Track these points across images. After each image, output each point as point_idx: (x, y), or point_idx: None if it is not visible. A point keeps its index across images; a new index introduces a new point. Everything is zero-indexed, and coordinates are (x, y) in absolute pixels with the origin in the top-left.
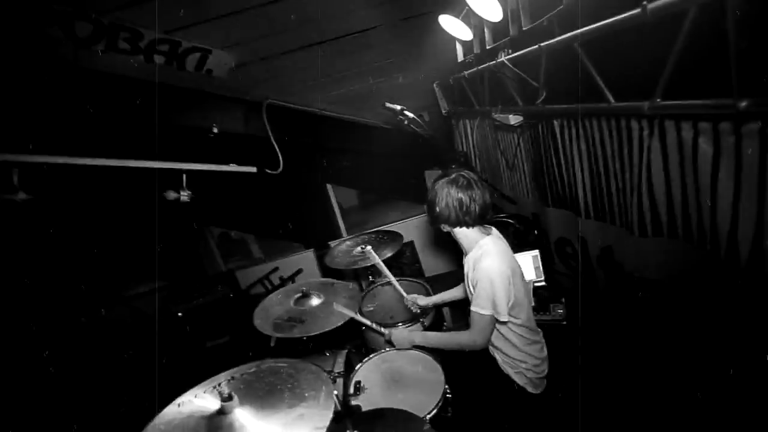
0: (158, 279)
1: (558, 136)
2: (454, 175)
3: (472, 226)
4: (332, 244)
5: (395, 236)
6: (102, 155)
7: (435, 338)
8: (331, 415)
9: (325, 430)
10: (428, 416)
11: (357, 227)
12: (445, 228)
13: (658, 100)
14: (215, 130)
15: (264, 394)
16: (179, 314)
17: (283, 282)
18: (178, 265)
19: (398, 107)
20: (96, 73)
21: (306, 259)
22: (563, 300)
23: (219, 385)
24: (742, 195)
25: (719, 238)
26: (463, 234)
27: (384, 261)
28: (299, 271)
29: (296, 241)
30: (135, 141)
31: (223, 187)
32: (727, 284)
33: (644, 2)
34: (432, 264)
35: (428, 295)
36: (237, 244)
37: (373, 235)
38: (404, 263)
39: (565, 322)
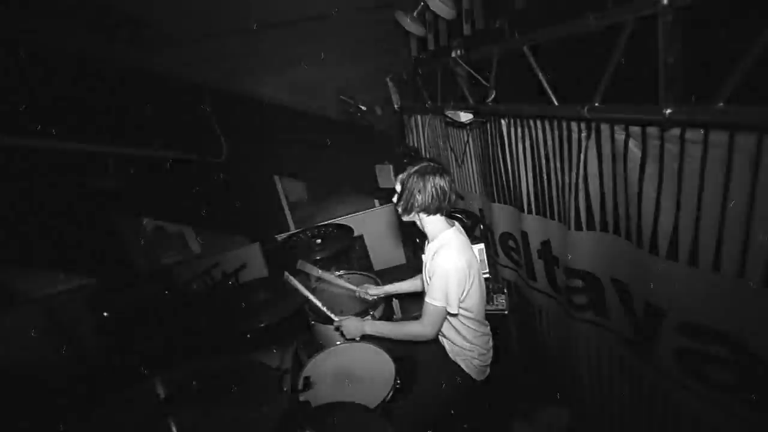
0: (80, 276)
1: (505, 134)
2: (431, 164)
3: (444, 213)
4: (279, 237)
5: (346, 229)
6: (18, 133)
7: (385, 327)
8: (281, 408)
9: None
10: (378, 407)
11: (305, 221)
12: (417, 216)
13: (597, 104)
14: (150, 112)
15: (208, 394)
16: (104, 314)
17: (226, 277)
18: (103, 261)
19: (351, 100)
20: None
21: (250, 253)
22: (505, 291)
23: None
24: (663, 193)
25: (642, 231)
26: (432, 222)
27: (335, 254)
28: (243, 267)
29: (241, 234)
30: (57, 120)
31: (160, 174)
32: (649, 272)
33: (588, 12)
34: (381, 258)
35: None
36: (173, 239)
37: (323, 229)
38: (353, 257)
39: (506, 312)
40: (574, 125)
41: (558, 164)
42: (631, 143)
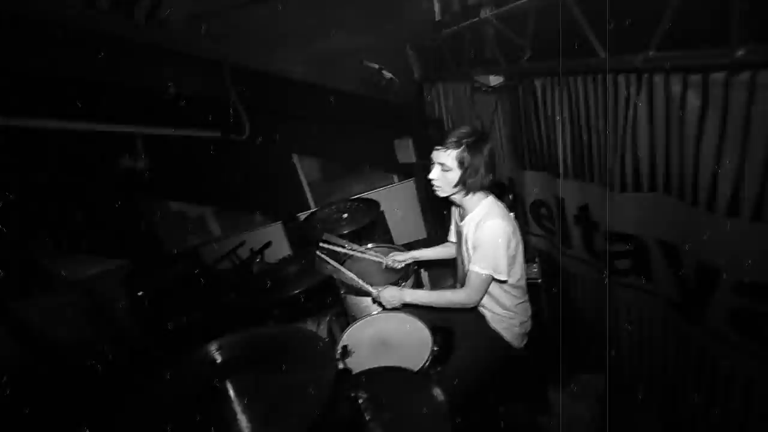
0: (113, 258)
1: (539, 96)
2: (477, 133)
3: None
4: (301, 216)
5: (371, 204)
6: (48, 117)
7: (426, 296)
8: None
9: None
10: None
11: (323, 200)
12: (470, 190)
13: (652, 52)
14: (171, 90)
15: (258, 360)
16: (139, 294)
17: (254, 255)
18: (134, 243)
19: (376, 65)
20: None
21: (274, 231)
22: (537, 260)
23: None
24: (725, 146)
25: (699, 189)
26: (468, 196)
27: (361, 228)
28: (268, 244)
29: (263, 213)
30: (83, 102)
31: (183, 155)
32: (704, 232)
33: None
34: (402, 232)
35: None
36: (195, 222)
37: (349, 203)
38: (375, 233)
39: (539, 281)
40: (621, 79)
41: (601, 124)
42: (690, 94)
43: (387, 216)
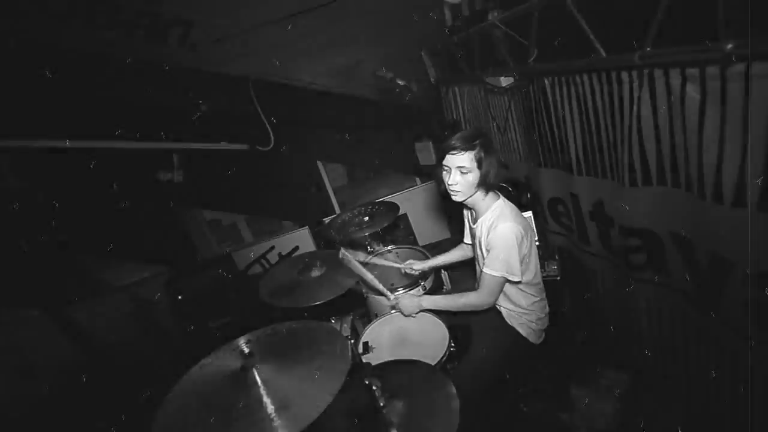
0: (153, 265)
1: (549, 95)
2: (483, 132)
3: None
4: (326, 220)
5: (391, 206)
6: (90, 138)
7: (443, 301)
8: (349, 362)
9: (344, 375)
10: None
11: (347, 204)
12: (489, 189)
13: (648, 49)
14: (203, 108)
15: (283, 351)
16: (179, 297)
17: (282, 259)
18: (171, 250)
19: (390, 74)
20: (71, 52)
21: (301, 236)
22: (556, 257)
23: (240, 344)
24: (726, 136)
25: (705, 180)
26: (481, 197)
27: (383, 230)
28: (296, 249)
29: (291, 219)
30: (119, 122)
31: (215, 167)
32: (713, 223)
33: None
34: (426, 234)
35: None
36: (228, 230)
37: (370, 207)
38: (399, 235)
39: (559, 278)
40: (624, 76)
41: (608, 120)
42: (689, 88)
43: (410, 217)
